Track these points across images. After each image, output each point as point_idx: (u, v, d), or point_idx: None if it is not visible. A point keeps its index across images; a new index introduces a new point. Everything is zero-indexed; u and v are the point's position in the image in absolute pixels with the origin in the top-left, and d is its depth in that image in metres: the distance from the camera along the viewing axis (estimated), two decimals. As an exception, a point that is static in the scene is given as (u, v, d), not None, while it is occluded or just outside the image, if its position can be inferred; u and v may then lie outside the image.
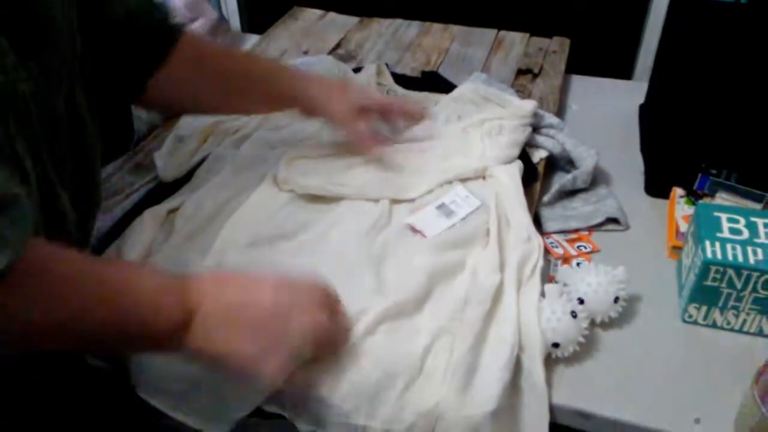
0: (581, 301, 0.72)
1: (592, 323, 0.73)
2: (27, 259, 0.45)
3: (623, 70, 1.45)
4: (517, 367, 0.66)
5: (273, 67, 0.91)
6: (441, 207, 0.84)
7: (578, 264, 0.81)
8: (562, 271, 0.77)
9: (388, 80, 1.09)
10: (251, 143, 0.94)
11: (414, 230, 0.81)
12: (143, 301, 0.53)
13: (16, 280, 0.44)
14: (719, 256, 0.69)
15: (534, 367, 0.66)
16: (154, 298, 0.53)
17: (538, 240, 0.79)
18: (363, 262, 0.75)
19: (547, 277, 0.79)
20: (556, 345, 0.69)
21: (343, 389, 0.63)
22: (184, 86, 0.78)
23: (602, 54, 1.43)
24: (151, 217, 0.81)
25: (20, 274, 0.45)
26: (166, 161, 0.93)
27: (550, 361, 0.70)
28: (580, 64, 1.27)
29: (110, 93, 0.74)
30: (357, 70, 1.10)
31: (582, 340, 0.70)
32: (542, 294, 0.73)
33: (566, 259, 0.83)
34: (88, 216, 0.69)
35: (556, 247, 0.84)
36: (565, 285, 0.75)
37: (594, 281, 0.72)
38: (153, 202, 0.85)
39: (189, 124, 0.99)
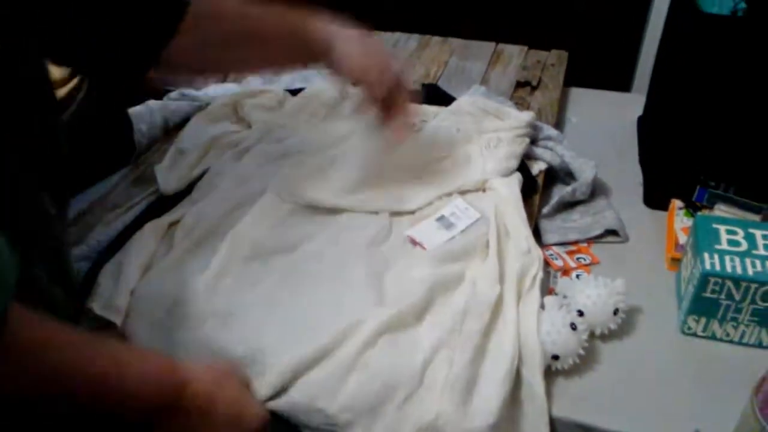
0: (581, 313, 0.72)
1: (592, 335, 0.73)
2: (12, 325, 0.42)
3: (622, 83, 1.47)
4: (516, 380, 0.67)
5: (291, 23, 0.82)
6: (441, 219, 0.84)
7: (578, 276, 0.81)
8: (562, 283, 0.77)
9: (388, 93, 1.10)
10: (252, 156, 0.95)
11: (414, 242, 0.81)
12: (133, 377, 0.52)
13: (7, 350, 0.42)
14: (718, 267, 0.70)
15: (534, 379, 0.66)
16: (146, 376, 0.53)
17: (537, 252, 0.80)
18: (363, 275, 0.75)
19: (546, 289, 0.79)
20: (555, 357, 0.69)
21: (342, 401, 0.63)
22: (200, 51, 0.75)
23: (601, 67, 1.44)
24: (151, 230, 0.81)
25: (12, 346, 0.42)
26: (167, 174, 0.93)
27: (549, 373, 0.70)
28: (579, 76, 1.27)
29: (123, 67, 0.71)
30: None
31: (582, 352, 0.70)
32: (542, 306, 0.74)
33: (566, 271, 0.83)
34: (64, 203, 0.66)
35: (556, 259, 0.85)
36: (564, 297, 0.75)
37: (594, 293, 0.72)
38: (154, 214, 0.85)
39: (190, 137, 1.00)
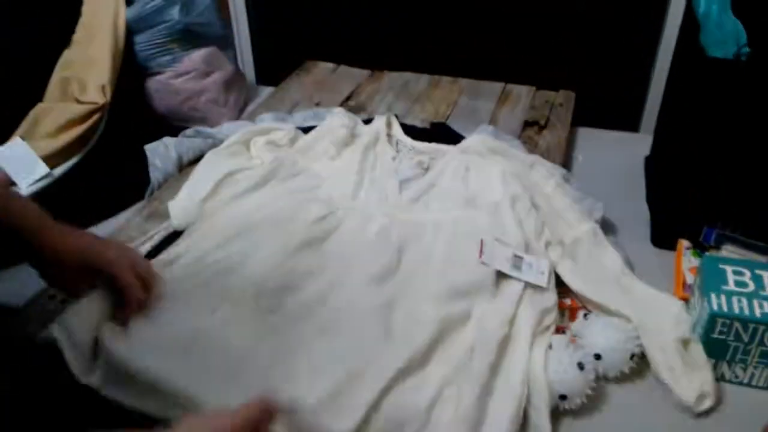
0: (598, 357, 0.72)
1: (605, 379, 0.73)
2: None
3: (630, 123, 1.48)
4: (523, 420, 0.66)
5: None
6: (517, 258, 0.83)
7: (585, 315, 0.81)
8: (576, 325, 0.78)
9: (398, 131, 1.12)
10: (263, 193, 0.96)
11: (481, 248, 0.82)
12: None
13: None
14: (725, 308, 0.70)
15: (540, 420, 0.66)
16: None
17: (554, 297, 0.80)
18: (371, 312, 0.76)
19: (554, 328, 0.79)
20: (563, 397, 0.69)
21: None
22: None
23: (610, 107, 1.46)
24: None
25: None
26: (180, 210, 0.95)
27: (557, 414, 0.69)
28: (588, 116, 1.29)
29: None
30: (368, 121, 1.13)
31: (589, 392, 0.70)
32: (549, 345, 0.74)
33: (573, 310, 0.83)
34: None
35: (564, 298, 0.85)
36: (579, 338, 0.75)
37: (612, 337, 0.72)
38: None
39: (203, 173, 1.01)
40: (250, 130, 1.11)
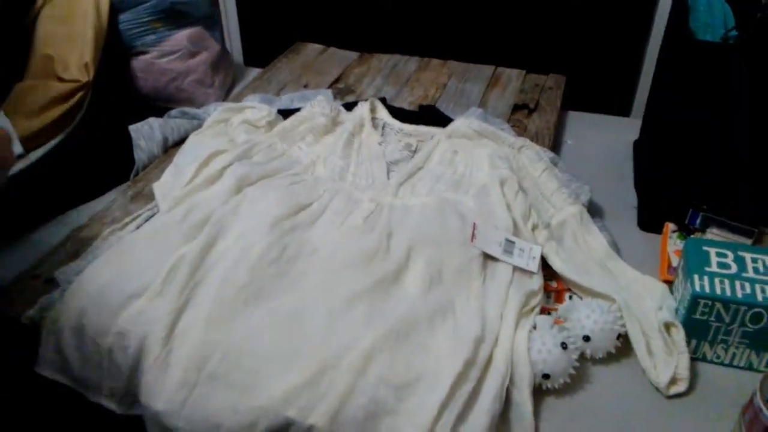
0: (587, 339, 0.72)
1: (593, 360, 0.74)
2: None
3: (622, 108, 1.48)
4: (506, 399, 0.67)
5: None
6: (509, 242, 0.83)
7: (570, 297, 0.81)
8: (563, 307, 0.78)
9: (384, 114, 1.11)
10: (228, 177, 0.93)
11: (474, 230, 0.82)
12: None
13: None
14: (707, 289, 0.70)
15: (522, 399, 0.67)
16: None
17: (541, 281, 0.81)
18: (356, 297, 0.75)
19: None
20: (546, 376, 0.69)
21: (337, 419, 0.63)
22: None
23: (601, 91, 1.45)
24: None
25: None
26: (164, 192, 0.94)
27: (540, 393, 0.70)
28: (579, 101, 1.29)
29: None
30: (352, 105, 1.12)
31: (572, 371, 0.70)
32: (534, 326, 0.74)
33: (559, 293, 0.83)
34: None
35: (550, 280, 0.85)
36: (566, 321, 0.75)
37: (600, 319, 0.73)
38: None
39: (186, 155, 1.00)
40: (228, 107, 1.10)
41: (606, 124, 1.24)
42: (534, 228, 0.89)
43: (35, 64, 1.04)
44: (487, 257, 0.82)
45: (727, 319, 0.70)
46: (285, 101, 1.17)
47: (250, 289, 0.76)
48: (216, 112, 1.10)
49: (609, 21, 1.43)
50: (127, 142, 1.03)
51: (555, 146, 1.13)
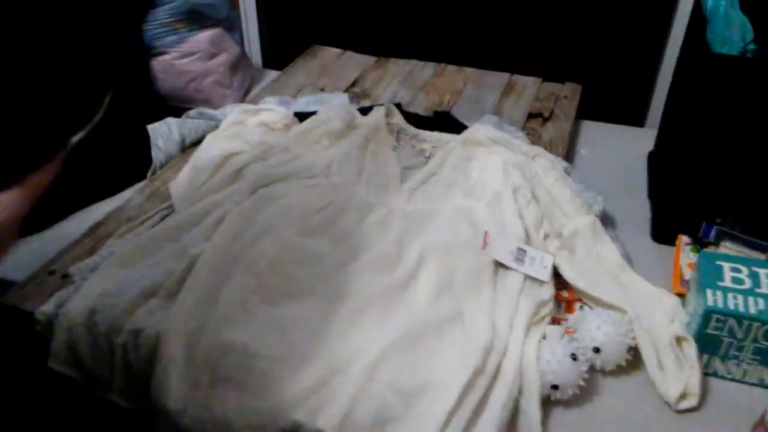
0: (597, 350, 0.72)
1: (603, 371, 0.74)
2: None
3: (636, 118, 1.48)
4: (515, 408, 0.67)
5: None
6: (521, 251, 0.83)
7: (581, 307, 0.81)
8: (573, 318, 0.78)
9: (399, 120, 1.12)
10: (241, 183, 0.94)
11: (485, 237, 0.82)
12: None
13: None
14: (720, 304, 0.70)
15: (530, 409, 0.67)
16: None
17: (552, 291, 0.81)
18: (369, 302, 0.76)
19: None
20: (555, 387, 0.69)
21: (346, 423, 0.64)
22: None
23: (616, 101, 1.45)
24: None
25: None
26: (181, 192, 0.95)
27: (549, 403, 0.70)
28: (594, 110, 1.29)
29: None
30: (368, 109, 1.12)
31: (582, 383, 0.70)
32: (543, 336, 0.74)
33: (569, 302, 0.83)
34: None
35: (561, 290, 0.85)
36: (576, 332, 0.75)
37: (611, 331, 0.73)
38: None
39: (203, 155, 1.01)
40: (245, 109, 1.11)
41: (620, 135, 1.24)
42: (546, 237, 0.89)
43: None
44: (498, 265, 0.82)
45: (740, 335, 0.70)
46: (301, 104, 1.18)
47: (263, 292, 0.76)
48: (232, 113, 1.11)
49: (625, 30, 1.42)
50: (146, 142, 1.05)
51: (569, 156, 1.13)
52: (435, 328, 0.73)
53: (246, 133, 1.07)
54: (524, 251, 0.83)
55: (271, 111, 1.10)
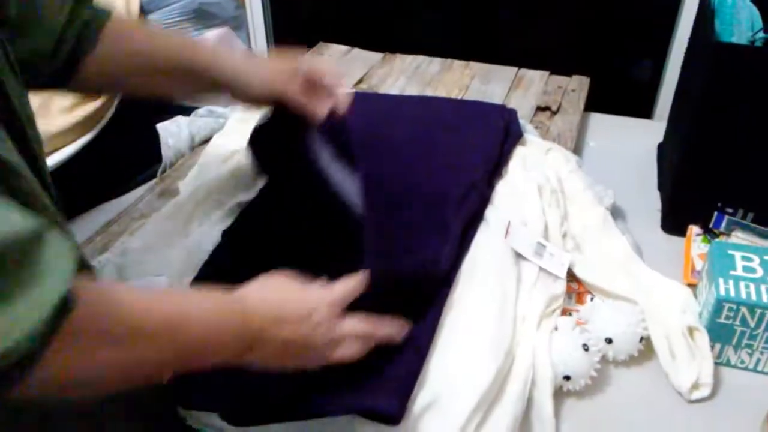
0: (609, 341, 0.72)
1: (615, 362, 0.74)
2: (81, 298, 0.41)
3: (644, 110, 1.48)
4: (527, 400, 0.67)
5: (189, 43, 0.84)
6: (540, 245, 0.83)
7: (591, 299, 0.81)
8: (585, 309, 0.78)
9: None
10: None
11: (508, 227, 0.83)
12: (205, 334, 0.54)
13: (76, 324, 0.41)
14: (732, 293, 0.70)
15: (543, 400, 0.67)
16: (216, 330, 0.55)
17: (564, 282, 0.81)
18: None
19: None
20: (567, 378, 0.69)
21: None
22: (110, 68, 0.74)
23: (624, 93, 1.45)
24: None
25: (79, 317, 0.41)
26: (190, 189, 0.95)
27: (561, 394, 0.70)
28: (602, 103, 1.28)
29: (37, 78, 0.68)
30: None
31: (594, 374, 0.70)
32: (555, 327, 0.74)
33: (580, 294, 0.83)
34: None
35: (571, 281, 0.85)
36: (588, 323, 0.75)
37: (623, 321, 0.73)
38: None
39: (212, 153, 1.02)
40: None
41: (629, 127, 1.23)
42: (564, 236, 0.89)
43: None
44: (515, 257, 0.82)
45: (752, 324, 0.70)
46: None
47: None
48: (236, 112, 1.11)
49: (632, 22, 1.42)
50: (156, 140, 1.05)
51: (577, 148, 1.13)
52: (464, 318, 0.73)
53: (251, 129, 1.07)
54: (544, 246, 0.83)
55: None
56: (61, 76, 0.70)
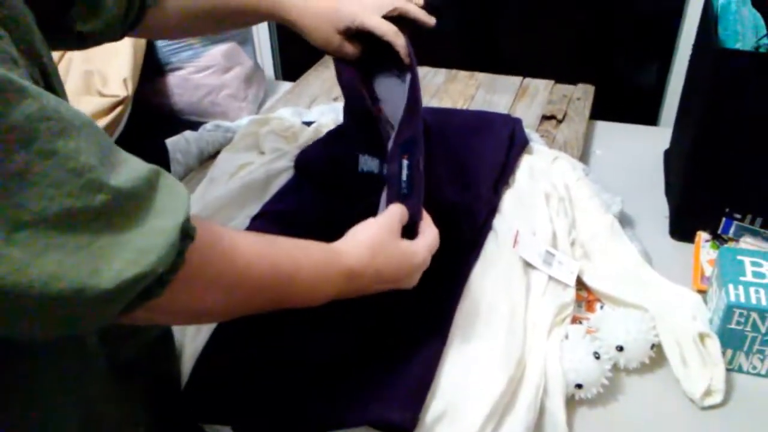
0: (620, 349, 0.72)
1: (626, 369, 0.74)
2: (200, 240, 0.44)
3: (649, 117, 1.48)
4: (539, 409, 0.67)
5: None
6: (549, 253, 0.83)
7: (601, 307, 0.81)
8: (595, 317, 0.78)
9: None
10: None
11: (516, 236, 0.83)
12: (312, 285, 0.56)
13: (195, 265, 0.44)
14: (742, 299, 0.70)
15: (555, 408, 0.67)
16: (324, 283, 0.57)
17: (573, 290, 0.81)
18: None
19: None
20: (579, 386, 0.69)
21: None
22: (174, 18, 0.77)
23: (629, 101, 1.45)
24: None
25: (197, 258, 0.44)
26: (200, 205, 0.96)
27: (573, 403, 0.70)
28: (606, 110, 1.29)
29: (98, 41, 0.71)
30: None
31: (605, 381, 0.70)
32: (566, 335, 0.74)
33: (590, 302, 0.83)
34: None
35: (581, 290, 0.85)
36: (598, 331, 0.75)
37: (633, 328, 0.73)
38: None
39: (220, 167, 1.03)
40: (254, 120, 1.13)
41: (634, 134, 1.24)
42: (573, 244, 0.89)
43: (76, 80, 1.07)
44: (524, 266, 0.82)
45: (763, 329, 0.70)
46: (315, 114, 1.19)
47: None
48: (243, 126, 1.12)
49: (636, 29, 1.43)
50: (165, 156, 1.06)
51: (584, 156, 1.13)
52: (475, 327, 0.73)
53: (259, 143, 1.08)
54: (552, 255, 0.83)
55: (280, 120, 1.12)
56: (123, 33, 0.73)
